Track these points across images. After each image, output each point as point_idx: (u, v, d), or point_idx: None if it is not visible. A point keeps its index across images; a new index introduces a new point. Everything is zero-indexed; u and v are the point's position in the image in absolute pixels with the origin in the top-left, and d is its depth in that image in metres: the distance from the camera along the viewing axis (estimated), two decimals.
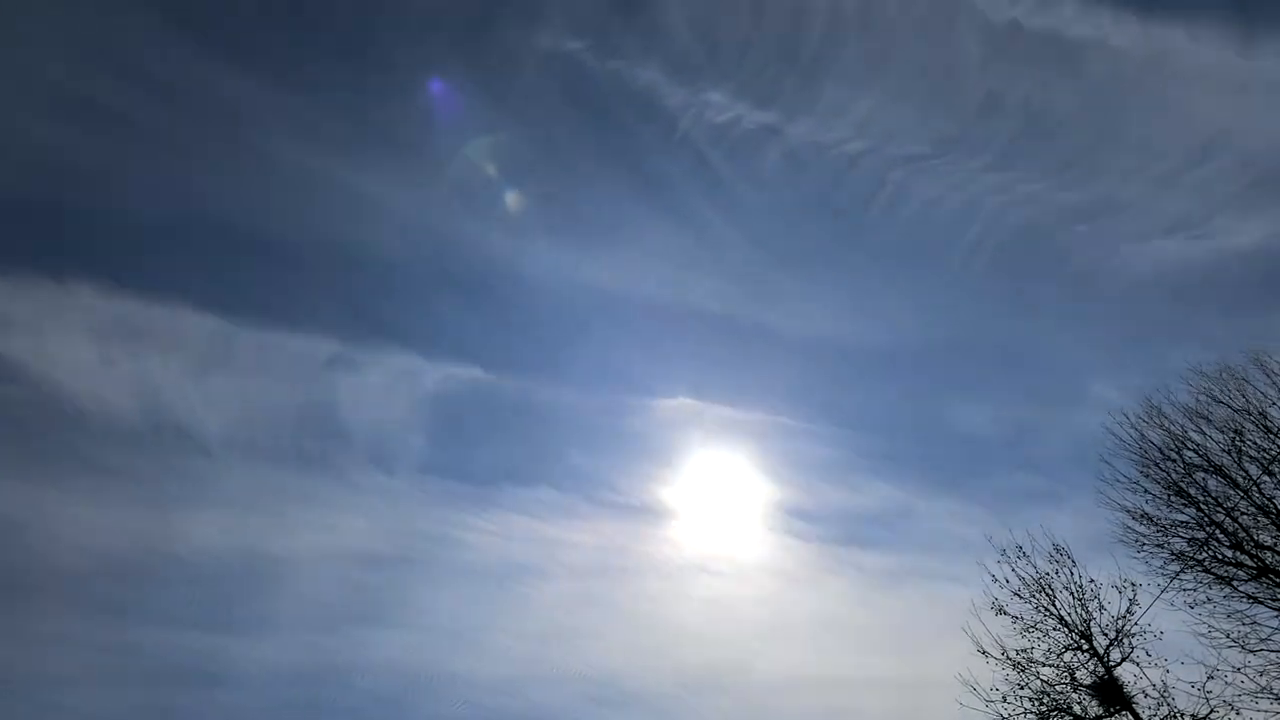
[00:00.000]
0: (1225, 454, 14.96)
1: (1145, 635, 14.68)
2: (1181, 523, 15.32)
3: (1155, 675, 14.33)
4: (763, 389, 53.41)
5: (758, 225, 50.14)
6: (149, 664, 34.65)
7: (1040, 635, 15.40)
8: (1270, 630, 14.21)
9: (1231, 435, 14.93)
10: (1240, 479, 14.65)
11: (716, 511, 48.65)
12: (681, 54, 42.15)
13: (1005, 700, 15.01)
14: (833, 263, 51.93)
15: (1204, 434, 15.34)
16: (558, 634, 42.64)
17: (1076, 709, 14.76)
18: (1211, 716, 13.66)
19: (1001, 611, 15.75)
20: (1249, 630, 14.34)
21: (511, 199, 45.07)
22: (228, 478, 41.69)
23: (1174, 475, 15.47)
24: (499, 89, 45.12)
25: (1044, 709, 14.85)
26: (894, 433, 51.15)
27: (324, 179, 44.96)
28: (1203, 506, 15.05)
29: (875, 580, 45.69)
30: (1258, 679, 13.76)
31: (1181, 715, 13.90)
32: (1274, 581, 14.24)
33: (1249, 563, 14.48)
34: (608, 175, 49.66)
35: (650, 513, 48.53)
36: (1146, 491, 15.80)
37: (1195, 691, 13.90)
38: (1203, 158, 43.75)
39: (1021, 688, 15.07)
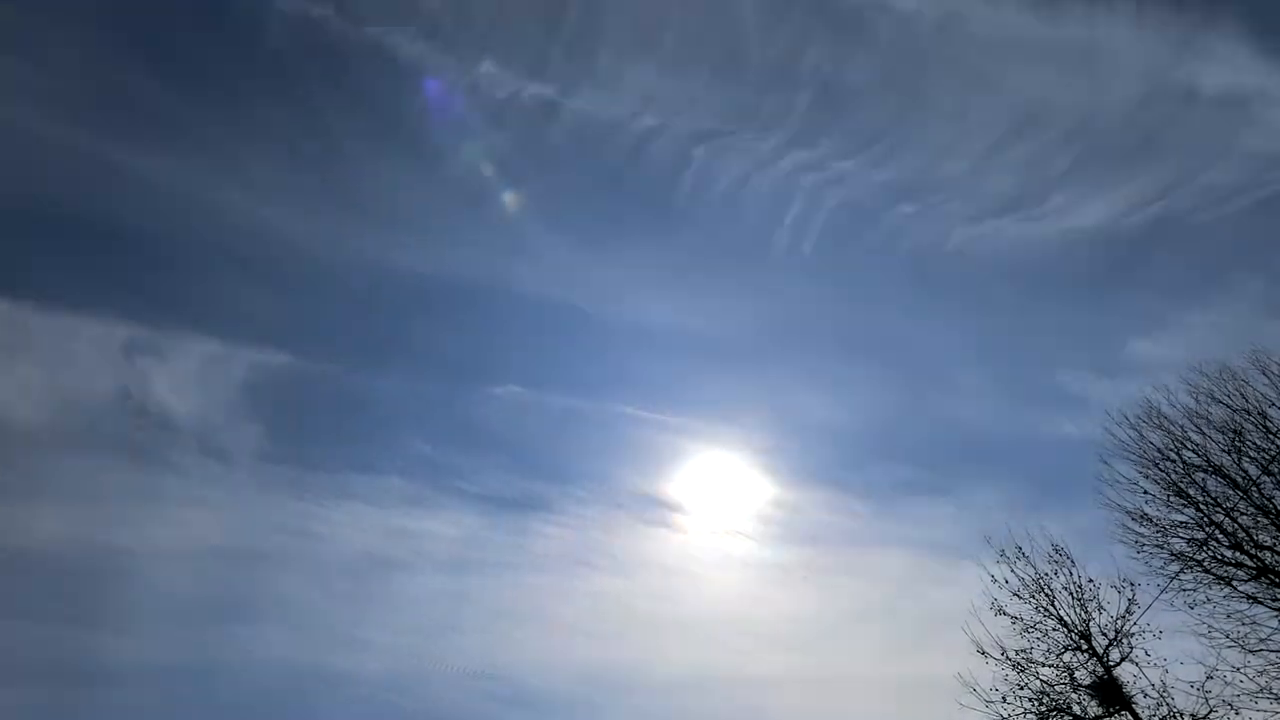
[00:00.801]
0: (1225, 454, 14.98)
1: (1145, 635, 14.70)
2: (1181, 523, 15.35)
3: (1155, 675, 14.36)
4: (601, 379, 53.35)
5: (555, 208, 48.74)
6: (18, 660, 33.75)
7: (1040, 635, 15.40)
8: (1270, 630, 14.24)
9: (1231, 435, 14.95)
10: (1240, 479, 14.66)
11: (590, 504, 47.77)
12: (432, 18, 39.83)
13: (1005, 700, 15.01)
14: (645, 246, 50.57)
15: (1203, 434, 15.36)
16: (437, 629, 42.14)
17: (1076, 709, 14.77)
18: (1211, 716, 13.67)
19: (1001, 612, 15.75)
20: (1248, 630, 14.37)
21: (296, 172, 43.90)
22: (57, 469, 40.52)
23: (1173, 476, 15.49)
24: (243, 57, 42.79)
25: (1043, 709, 14.85)
26: (754, 425, 50.63)
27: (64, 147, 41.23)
28: (1202, 507, 15.06)
29: (768, 574, 45.67)
30: (1257, 679, 13.79)
31: (1181, 715, 13.90)
32: (1273, 581, 14.25)
33: (1248, 563, 14.50)
34: (390, 152, 47.21)
35: (514, 505, 47.82)
36: (1145, 492, 15.82)
37: (1195, 691, 13.92)
38: (1024, 131, 42.95)
39: (1021, 688, 15.07)
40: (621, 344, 52.75)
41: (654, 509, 48.57)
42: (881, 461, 51.07)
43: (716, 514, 49.16)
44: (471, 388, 52.26)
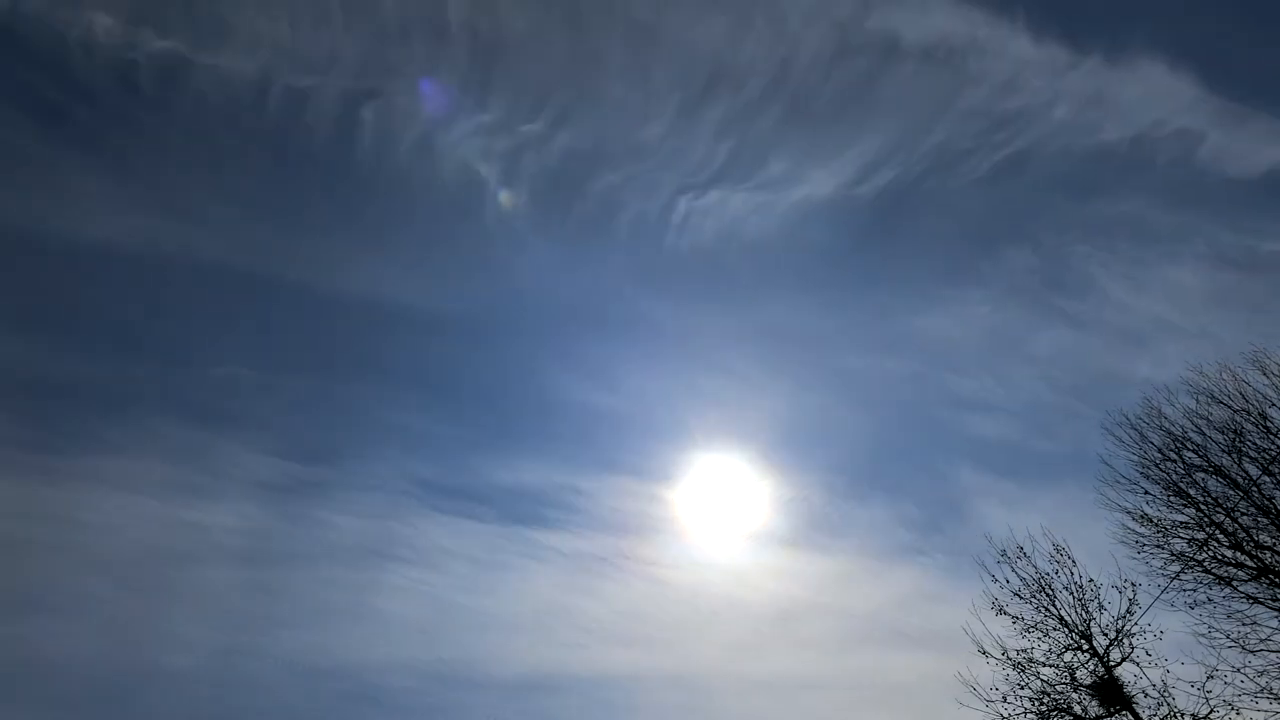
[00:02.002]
0: (1225, 454, 15.00)
1: (1145, 635, 14.76)
2: (1181, 523, 15.36)
3: (1155, 675, 14.41)
4: (343, 356, 50.61)
5: (196, 166, 44.55)
6: None
7: (1040, 635, 15.47)
8: (1270, 630, 14.24)
9: (1231, 436, 14.97)
10: (1240, 479, 14.68)
11: (376, 490, 45.78)
12: None
13: (1005, 700, 15.06)
14: (318, 210, 47.12)
15: (1204, 434, 15.39)
16: (251, 622, 40.07)
17: (1077, 709, 14.80)
18: (1211, 716, 13.69)
19: (1002, 611, 15.81)
20: (1249, 630, 14.37)
21: None
22: None
23: (1174, 476, 15.52)
24: None
25: (1044, 709, 14.89)
26: (514, 411, 50.35)
27: None
28: (1202, 507, 15.08)
29: (575, 564, 45.24)
30: (1257, 679, 13.80)
31: (1181, 715, 13.93)
32: (1274, 582, 14.26)
33: (1249, 563, 14.51)
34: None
35: (294, 491, 44.87)
36: (1146, 492, 15.87)
37: (1195, 691, 13.96)
38: (714, 91, 42.14)
39: (1022, 688, 15.13)
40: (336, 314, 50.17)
41: (452, 498, 47.32)
42: (646, 443, 51.26)
43: (504, 502, 48.17)
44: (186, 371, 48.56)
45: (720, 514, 47.67)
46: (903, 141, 45.26)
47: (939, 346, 50.11)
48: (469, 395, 52.51)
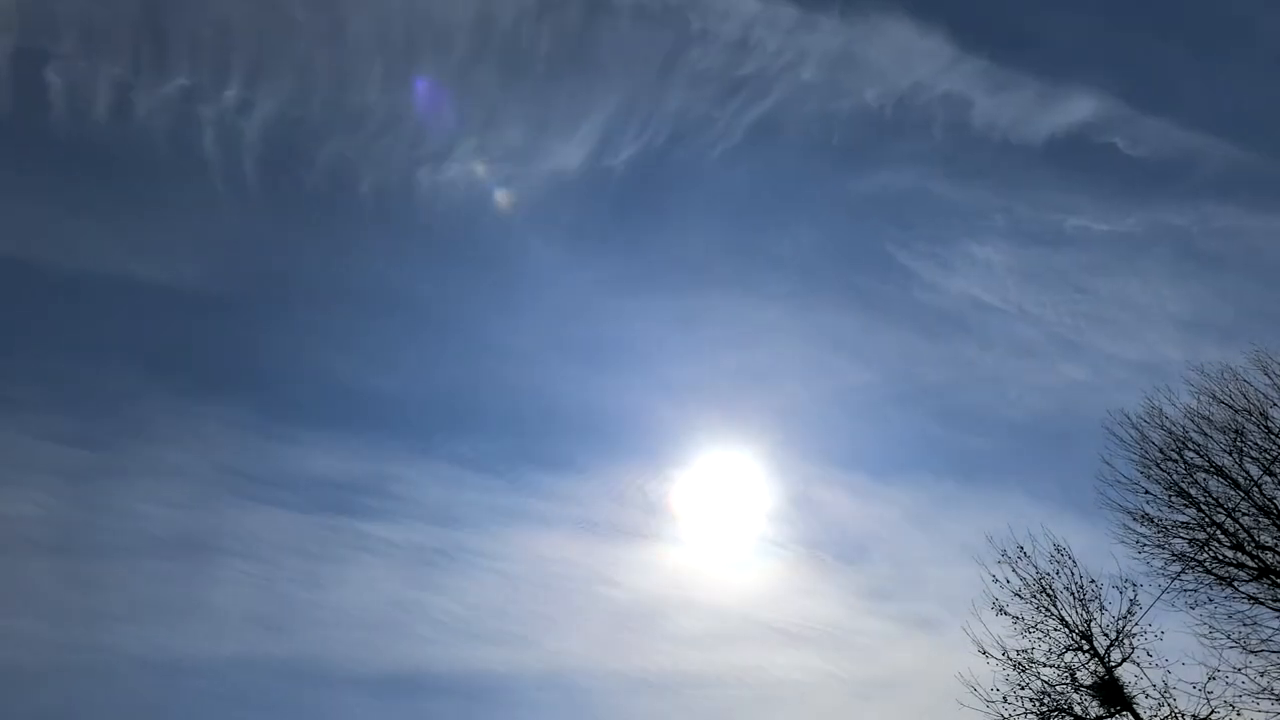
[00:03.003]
0: (1226, 454, 14.96)
1: (1146, 636, 14.72)
2: (1182, 523, 15.33)
3: (1156, 676, 14.37)
4: (88, 335, 45.97)
5: None
6: None
7: (1041, 636, 15.41)
8: (1271, 631, 14.24)
9: (1232, 436, 14.93)
10: (1241, 479, 14.65)
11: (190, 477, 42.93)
12: None
13: (1005, 700, 15.01)
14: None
15: (1205, 434, 15.34)
16: (81, 617, 37.88)
17: (1077, 709, 14.76)
18: (1212, 717, 13.67)
19: (1002, 612, 15.76)
20: (1250, 631, 14.37)
21: None
22: None
23: (1175, 476, 15.48)
24: None
25: (1044, 709, 14.85)
26: (298, 397, 47.93)
27: None
28: (1203, 507, 15.04)
29: (413, 556, 43.90)
30: (1258, 679, 13.79)
31: (1182, 716, 13.90)
32: (1275, 582, 14.24)
33: (1250, 563, 14.48)
34: None
35: (83, 479, 41.57)
36: (1147, 492, 15.81)
37: (1196, 692, 13.93)
38: (420, 52, 38.74)
39: (1022, 688, 15.08)
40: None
41: (263, 486, 44.86)
42: (459, 437, 50.09)
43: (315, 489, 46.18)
44: None
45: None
46: (635, 108, 43.13)
47: (741, 332, 49.24)
48: (257, 378, 49.57)
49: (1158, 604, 14.72)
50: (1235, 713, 13.62)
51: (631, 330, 51.11)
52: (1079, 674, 14.94)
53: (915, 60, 40.53)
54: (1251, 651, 14.12)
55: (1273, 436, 14.56)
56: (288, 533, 42.81)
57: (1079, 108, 41.43)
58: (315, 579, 42.08)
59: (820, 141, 45.49)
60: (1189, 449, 15.42)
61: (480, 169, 43.17)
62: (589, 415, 52.73)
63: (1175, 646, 14.51)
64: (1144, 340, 43.72)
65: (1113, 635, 14.86)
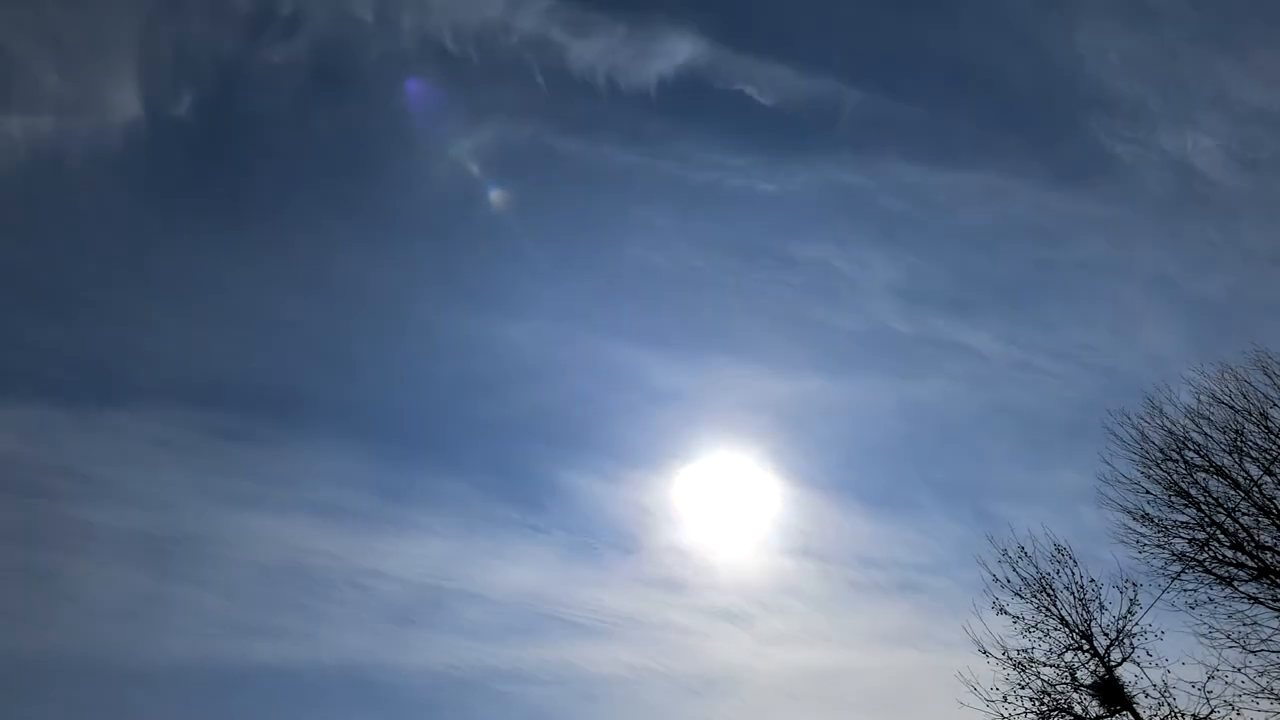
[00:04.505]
0: (1226, 454, 14.98)
1: (1146, 635, 14.76)
2: (1182, 523, 15.35)
3: (1156, 675, 14.41)
4: None
5: None
6: None
7: (1041, 635, 15.45)
8: (1271, 631, 14.26)
9: (1232, 436, 14.95)
10: (1241, 479, 14.67)
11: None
12: None
13: (1006, 700, 15.02)
14: None
15: (1205, 434, 15.36)
16: None
17: (1077, 709, 14.79)
18: (1212, 716, 13.70)
19: (1002, 611, 15.78)
20: (1249, 630, 14.39)
21: None
22: None
23: (1175, 476, 15.49)
24: None
25: (1045, 709, 14.87)
26: None
27: None
28: (1203, 507, 15.06)
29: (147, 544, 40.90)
30: (1258, 679, 13.82)
31: (1182, 715, 13.94)
32: (1274, 582, 14.27)
33: (1249, 563, 14.51)
34: None
35: None
36: (1147, 492, 15.82)
37: (1196, 691, 13.96)
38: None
39: (1022, 688, 15.10)
40: None
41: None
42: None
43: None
44: None
45: None
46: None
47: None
48: None
49: (1158, 604, 14.78)
50: (1235, 712, 13.66)
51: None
52: (1079, 673, 14.99)
53: None
54: (1251, 651, 14.15)
55: (1272, 436, 14.58)
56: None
57: (681, 50, 38.87)
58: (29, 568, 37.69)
59: (387, 96, 42.46)
60: (1189, 449, 15.44)
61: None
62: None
63: (1175, 646, 14.57)
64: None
65: (1113, 635, 14.90)
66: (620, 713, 38.66)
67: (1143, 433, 16.05)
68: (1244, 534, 14.62)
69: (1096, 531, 16.69)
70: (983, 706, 15.03)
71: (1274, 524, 14.33)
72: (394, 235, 47.73)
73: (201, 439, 42.98)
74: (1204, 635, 14.55)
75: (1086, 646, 15.02)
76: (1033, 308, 46.52)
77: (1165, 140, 40.38)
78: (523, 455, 49.57)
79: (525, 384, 49.87)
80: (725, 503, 44.97)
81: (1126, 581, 15.06)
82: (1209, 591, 14.84)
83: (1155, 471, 15.76)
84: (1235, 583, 14.66)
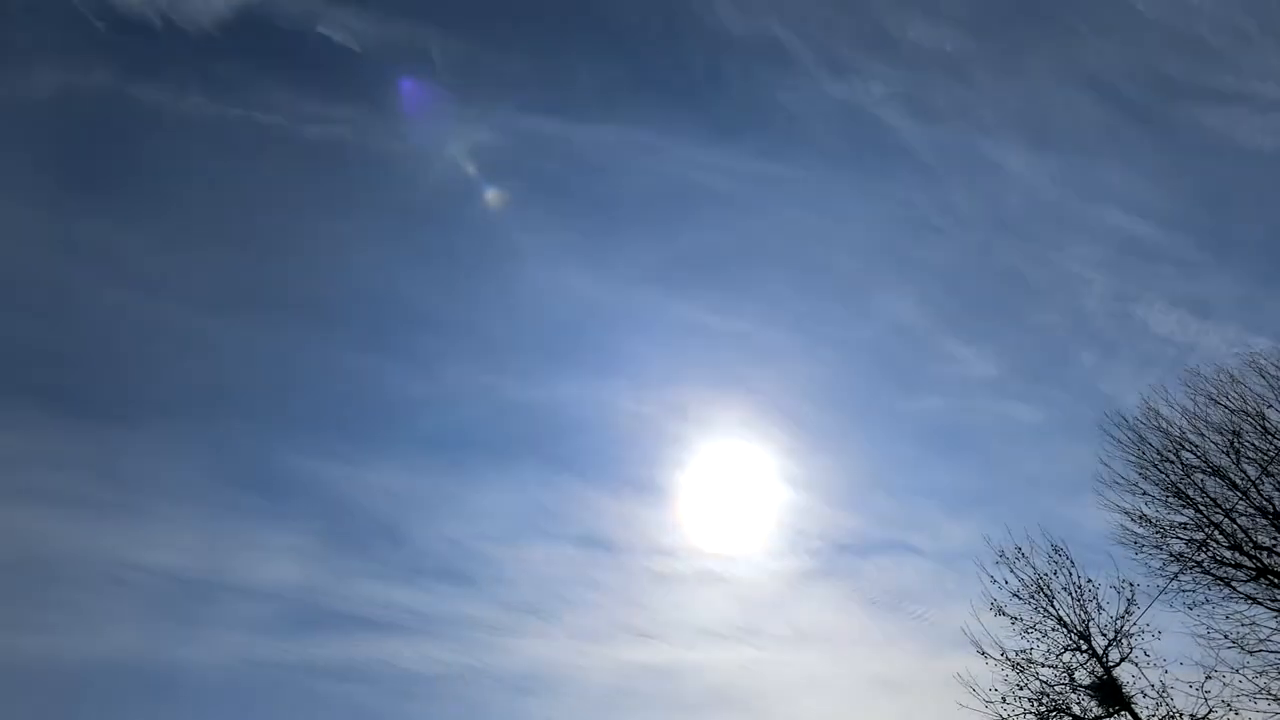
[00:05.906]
0: (1223, 455, 15.03)
1: (1144, 636, 14.69)
2: (1180, 524, 15.38)
3: (1154, 676, 14.35)
4: None
5: None
6: None
7: (1039, 636, 15.39)
8: (1269, 631, 14.26)
9: (1229, 437, 15.00)
10: (1238, 480, 14.71)
11: None
12: None
13: (1004, 701, 15.00)
14: None
15: (1202, 435, 15.42)
16: None
17: (1075, 709, 14.75)
18: (1210, 717, 13.67)
19: (1000, 612, 15.76)
20: (1247, 631, 14.39)
21: None
22: None
23: (1172, 477, 15.53)
24: None
25: (1043, 709, 14.83)
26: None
27: None
28: (1201, 508, 15.10)
29: None
30: (1256, 679, 13.81)
31: (1180, 715, 13.90)
32: (1272, 582, 14.29)
33: (1247, 564, 14.53)
34: None
35: None
36: (1145, 493, 15.87)
37: (1194, 692, 13.92)
38: None
39: (1020, 688, 15.06)
40: None
41: None
42: None
43: None
44: None
45: None
46: None
47: None
48: None
49: (1156, 604, 14.76)
50: (1233, 712, 13.64)
51: None
52: (1077, 674, 14.94)
53: None
54: (1249, 651, 14.15)
55: (1269, 437, 14.63)
56: None
57: None
58: None
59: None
60: (1186, 450, 15.49)
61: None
62: None
63: (1173, 646, 14.55)
64: None
65: (1111, 635, 14.87)
66: (449, 713, 37.67)
67: (1140, 434, 16.13)
68: (1242, 534, 14.65)
69: (1093, 533, 16.75)
70: (981, 707, 15.04)
71: (1272, 524, 14.36)
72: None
73: None
74: (1202, 636, 14.56)
75: (1085, 647, 14.99)
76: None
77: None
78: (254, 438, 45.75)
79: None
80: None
81: (1124, 582, 15.08)
82: (1207, 592, 14.89)
83: (1153, 473, 15.82)
84: (1233, 583, 14.68)
